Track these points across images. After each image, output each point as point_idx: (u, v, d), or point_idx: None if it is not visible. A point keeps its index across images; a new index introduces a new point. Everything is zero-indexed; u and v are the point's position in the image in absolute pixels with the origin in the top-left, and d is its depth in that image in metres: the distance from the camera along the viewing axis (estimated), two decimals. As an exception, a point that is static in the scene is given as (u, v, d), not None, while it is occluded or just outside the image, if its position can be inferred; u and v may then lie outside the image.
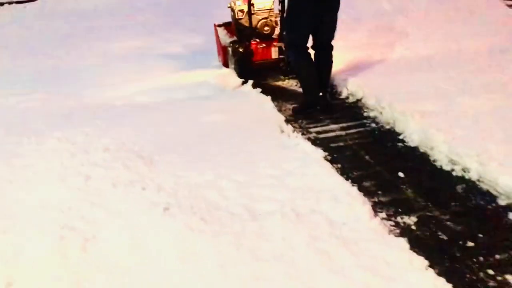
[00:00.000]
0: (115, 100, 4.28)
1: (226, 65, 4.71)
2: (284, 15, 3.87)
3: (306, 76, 3.79)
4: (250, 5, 4.18)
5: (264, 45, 4.29)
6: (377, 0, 6.74)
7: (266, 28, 4.32)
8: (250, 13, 4.19)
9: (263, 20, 4.29)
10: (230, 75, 4.52)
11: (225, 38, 4.63)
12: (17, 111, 4.17)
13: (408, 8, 6.34)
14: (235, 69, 4.42)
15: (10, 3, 8.90)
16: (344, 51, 4.68)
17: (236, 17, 4.40)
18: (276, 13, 4.36)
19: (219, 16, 5.33)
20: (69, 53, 5.98)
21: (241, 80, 4.39)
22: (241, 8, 4.35)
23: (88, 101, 4.31)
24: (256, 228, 2.31)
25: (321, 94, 3.82)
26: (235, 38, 4.50)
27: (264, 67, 4.40)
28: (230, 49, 4.41)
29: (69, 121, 3.82)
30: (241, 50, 4.28)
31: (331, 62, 3.86)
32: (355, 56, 4.78)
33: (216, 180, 2.81)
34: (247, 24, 4.29)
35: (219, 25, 4.81)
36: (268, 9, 4.39)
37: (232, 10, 4.46)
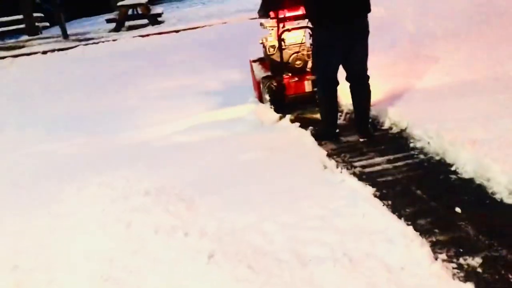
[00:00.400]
0: (153, 141, 4.28)
1: (261, 100, 4.70)
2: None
3: (326, 109, 3.80)
4: (280, 40, 4.22)
5: (296, 79, 4.30)
6: (401, 24, 6.61)
7: (298, 62, 4.35)
8: (280, 48, 4.23)
9: (295, 55, 4.32)
10: (266, 111, 4.45)
11: (260, 73, 4.66)
12: (57, 156, 4.21)
13: (438, 30, 6.16)
14: (269, 103, 4.40)
15: (53, 51, 9.27)
16: (380, 80, 4.55)
17: (268, 53, 4.43)
18: (308, 47, 4.33)
19: (256, 52, 5.32)
20: (108, 95, 6.09)
21: (278, 115, 4.33)
22: (272, 44, 4.39)
23: (127, 143, 4.32)
24: (306, 276, 2.16)
25: (362, 126, 3.79)
26: (269, 73, 4.51)
27: (298, 101, 4.38)
28: (263, 84, 4.43)
29: (109, 165, 3.81)
30: (274, 84, 4.28)
31: (369, 93, 3.75)
32: (393, 85, 4.62)
33: (260, 222, 2.69)
34: (279, 59, 4.31)
35: (254, 61, 4.86)
36: (299, 43, 4.39)
37: (264, 46, 4.51)
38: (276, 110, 4.33)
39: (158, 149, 4.11)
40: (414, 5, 6.74)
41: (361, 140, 3.78)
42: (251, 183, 3.21)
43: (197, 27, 9.95)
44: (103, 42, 9.70)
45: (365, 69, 3.66)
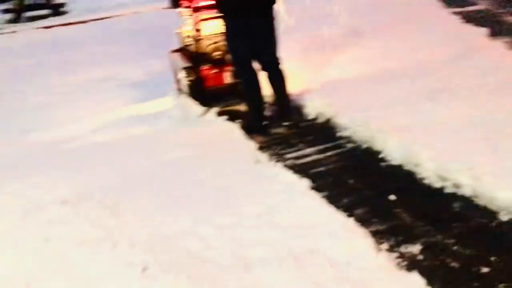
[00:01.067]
0: (66, 142, 3.91)
1: (181, 91, 4.48)
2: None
3: (251, 98, 3.76)
4: (196, 30, 4.05)
5: (216, 70, 4.10)
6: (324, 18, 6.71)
7: (216, 53, 4.13)
8: (197, 39, 4.06)
9: (213, 45, 4.10)
10: (191, 104, 4.25)
11: (179, 64, 4.40)
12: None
13: (361, 24, 6.32)
14: (189, 95, 4.21)
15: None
16: (302, 71, 4.62)
17: (184, 43, 4.25)
18: None
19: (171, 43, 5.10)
20: (10, 92, 5.49)
21: (203, 109, 4.14)
22: (187, 33, 4.19)
23: (35, 146, 3.90)
24: (253, 280, 2.03)
25: (284, 112, 3.83)
26: (188, 64, 4.26)
27: (218, 93, 4.18)
28: (182, 75, 4.23)
29: (17, 171, 3.40)
30: (191, 76, 4.09)
31: (284, 77, 3.75)
32: (315, 75, 4.63)
33: (195, 226, 2.51)
34: (197, 50, 4.14)
35: (174, 51, 4.57)
36: (219, 33, 4.10)
37: (180, 36, 4.30)
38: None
39: (73, 151, 3.77)
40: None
41: (285, 124, 3.78)
42: (180, 183, 3.01)
43: (107, 17, 9.37)
44: (0, 34, 8.82)
45: (276, 56, 3.69)
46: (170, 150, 3.46)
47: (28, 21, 10.17)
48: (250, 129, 3.73)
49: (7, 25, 9.96)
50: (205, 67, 4.11)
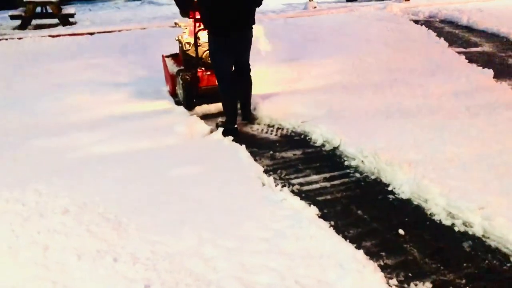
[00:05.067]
0: (68, 151, 3.81)
1: (173, 93, 5.05)
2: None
3: (228, 106, 4.24)
4: (196, 38, 4.57)
5: (209, 72, 4.64)
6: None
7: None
8: (196, 45, 4.60)
9: (208, 51, 4.53)
10: (196, 123, 4.22)
11: (173, 67, 5.02)
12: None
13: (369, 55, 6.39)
14: (182, 95, 4.73)
15: None
16: (312, 94, 4.72)
17: (184, 49, 4.81)
18: None
19: (162, 50, 5.64)
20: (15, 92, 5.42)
21: (209, 128, 4.13)
22: (188, 40, 4.79)
23: (36, 153, 3.81)
24: (259, 308, 1.96)
25: (245, 112, 4.45)
26: (182, 67, 4.87)
27: (210, 93, 4.68)
28: (178, 77, 4.76)
29: (16, 177, 3.32)
30: (188, 77, 4.64)
31: (250, 84, 4.39)
32: (323, 103, 4.63)
33: (199, 246, 2.46)
34: (193, 55, 4.70)
35: (167, 56, 5.20)
36: None
37: (180, 42, 4.87)
38: (187, 103, 4.70)
39: (75, 160, 3.68)
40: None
41: (244, 122, 4.40)
42: (185, 201, 2.95)
43: (114, 31, 9.38)
44: (6, 39, 8.78)
45: (248, 66, 4.32)
46: (175, 167, 3.41)
47: (35, 28, 10.16)
48: (226, 131, 4.09)
49: (14, 31, 9.95)
50: (200, 70, 4.66)
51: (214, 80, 4.40)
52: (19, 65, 6.83)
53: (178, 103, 4.87)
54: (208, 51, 4.45)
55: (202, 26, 4.39)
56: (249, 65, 4.32)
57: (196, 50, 4.62)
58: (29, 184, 3.16)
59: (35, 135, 4.13)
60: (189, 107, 4.71)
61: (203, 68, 4.66)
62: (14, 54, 7.67)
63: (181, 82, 4.67)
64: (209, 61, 4.47)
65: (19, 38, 8.84)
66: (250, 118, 4.47)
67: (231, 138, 3.95)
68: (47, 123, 4.52)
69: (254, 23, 4.12)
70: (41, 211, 2.76)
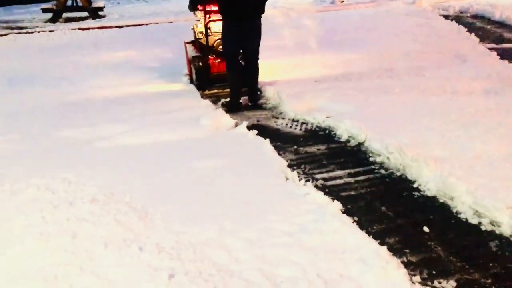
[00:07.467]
0: (96, 141, 3.91)
1: (191, 75, 5.51)
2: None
3: (234, 83, 4.71)
4: (206, 28, 5.09)
5: (219, 60, 5.09)
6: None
7: (221, 46, 4.98)
8: (207, 35, 5.12)
9: (219, 40, 4.99)
10: (222, 116, 4.25)
11: (192, 53, 5.40)
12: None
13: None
14: (194, 78, 5.24)
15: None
16: (337, 89, 4.72)
17: (197, 37, 5.32)
18: None
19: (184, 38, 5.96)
20: (44, 88, 5.56)
21: (234, 121, 4.16)
22: (200, 30, 5.27)
23: (65, 142, 3.91)
24: (281, 300, 1.98)
25: (252, 95, 4.82)
26: (198, 53, 5.28)
27: (220, 78, 5.12)
28: (192, 62, 5.23)
29: (46, 165, 3.42)
30: (200, 63, 5.10)
31: (257, 70, 4.77)
32: (347, 98, 4.59)
33: (222, 237, 2.48)
34: (205, 43, 5.18)
35: (188, 42, 5.67)
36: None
37: (194, 31, 5.42)
38: (198, 85, 5.21)
39: (102, 150, 3.77)
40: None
41: (250, 104, 4.78)
42: (209, 193, 2.99)
43: (142, 24, 9.50)
44: (38, 32, 8.99)
45: (257, 54, 4.71)
46: (201, 159, 3.45)
47: (66, 22, 10.37)
48: (229, 108, 4.63)
49: (46, 23, 10.17)
50: (211, 57, 5.12)
51: (224, 67, 4.84)
52: (51, 56, 7.02)
53: (193, 83, 5.42)
54: (218, 40, 4.99)
55: (212, 18, 4.98)
56: (257, 53, 4.70)
57: (207, 40, 5.12)
58: (58, 173, 3.25)
59: (63, 125, 4.23)
60: (201, 89, 5.20)
61: (214, 56, 5.12)
62: (45, 46, 7.86)
63: (194, 67, 5.15)
64: (220, 49, 5.01)
65: (50, 31, 9.05)
66: (256, 101, 4.83)
67: (255, 132, 3.96)
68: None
69: (263, 12, 4.59)
70: (70, 200, 2.84)
